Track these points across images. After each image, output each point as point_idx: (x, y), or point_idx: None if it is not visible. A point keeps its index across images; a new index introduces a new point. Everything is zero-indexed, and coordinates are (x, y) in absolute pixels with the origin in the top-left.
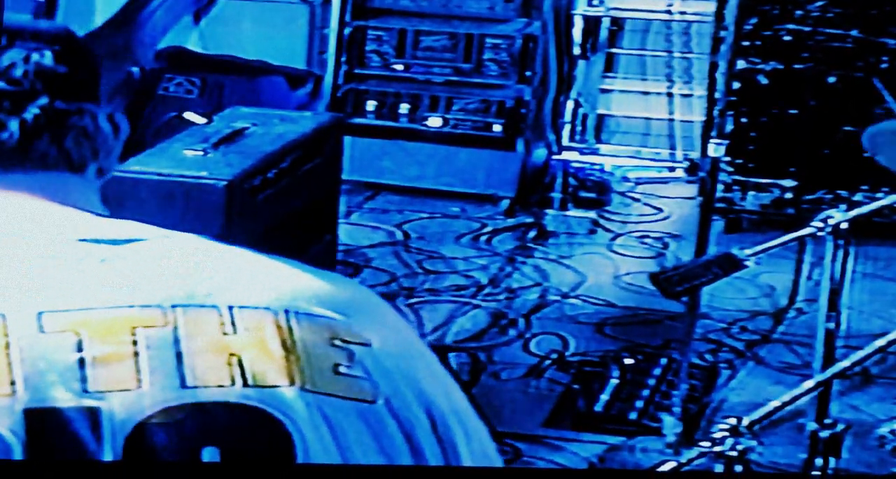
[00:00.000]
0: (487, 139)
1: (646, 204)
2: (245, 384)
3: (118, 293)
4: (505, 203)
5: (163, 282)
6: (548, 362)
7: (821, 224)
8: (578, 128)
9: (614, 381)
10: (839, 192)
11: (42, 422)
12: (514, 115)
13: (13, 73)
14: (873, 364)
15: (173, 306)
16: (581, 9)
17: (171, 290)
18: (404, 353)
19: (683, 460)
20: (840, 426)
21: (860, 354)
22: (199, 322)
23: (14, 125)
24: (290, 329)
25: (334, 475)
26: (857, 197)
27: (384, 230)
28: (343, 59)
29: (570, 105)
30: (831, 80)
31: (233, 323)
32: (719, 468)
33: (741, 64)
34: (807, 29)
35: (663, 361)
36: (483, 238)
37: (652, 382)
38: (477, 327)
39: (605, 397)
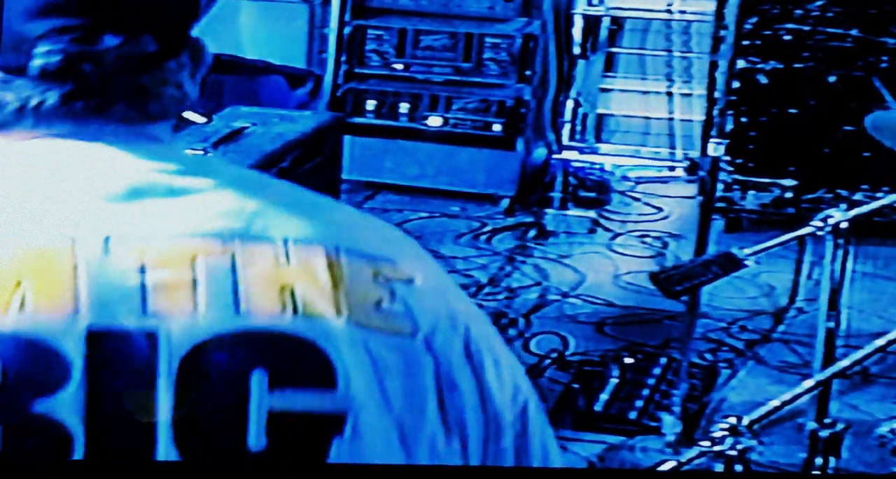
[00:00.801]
0: (487, 139)
1: (646, 203)
2: (295, 314)
3: (181, 223)
4: (505, 202)
5: (223, 215)
6: (548, 361)
7: (821, 223)
8: (578, 127)
9: (614, 380)
10: (839, 191)
11: (103, 341)
12: (514, 114)
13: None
14: (873, 364)
15: (231, 238)
16: (581, 8)
17: (230, 222)
18: (443, 290)
19: (683, 459)
20: (840, 426)
21: (860, 353)
22: (256, 253)
23: (95, 95)
24: (339, 265)
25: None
26: (857, 196)
27: None
28: (343, 58)
29: (569, 104)
30: (831, 79)
31: (287, 256)
32: (719, 467)
33: (741, 63)
34: (807, 28)
35: (663, 360)
36: (482, 237)
37: (652, 381)
38: None
39: (604, 396)
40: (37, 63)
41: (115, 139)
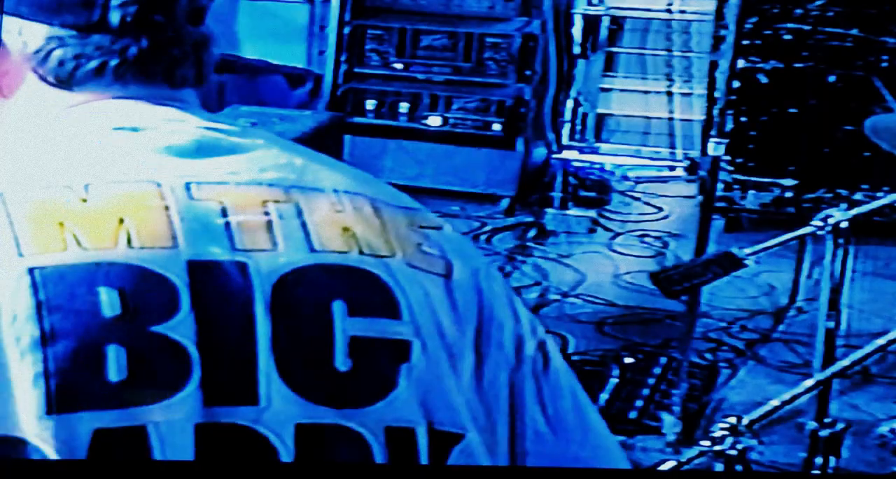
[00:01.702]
0: (487, 138)
1: (646, 203)
2: (360, 252)
3: (245, 173)
4: (505, 202)
5: (278, 168)
6: None
7: (821, 223)
8: (578, 127)
9: (614, 380)
10: (839, 191)
11: (203, 271)
12: (514, 114)
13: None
14: (873, 363)
15: (290, 187)
16: (581, 8)
17: (285, 174)
18: (467, 240)
19: (683, 459)
20: (840, 425)
21: (860, 353)
22: (314, 201)
23: (166, 54)
24: (383, 213)
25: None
26: (858, 196)
27: None
28: (343, 58)
29: (569, 104)
30: (831, 79)
31: (340, 203)
32: (719, 467)
33: (741, 63)
34: (807, 28)
35: (663, 360)
36: (482, 237)
37: (652, 381)
38: None
39: (605, 396)
40: (116, 15)
41: (175, 103)
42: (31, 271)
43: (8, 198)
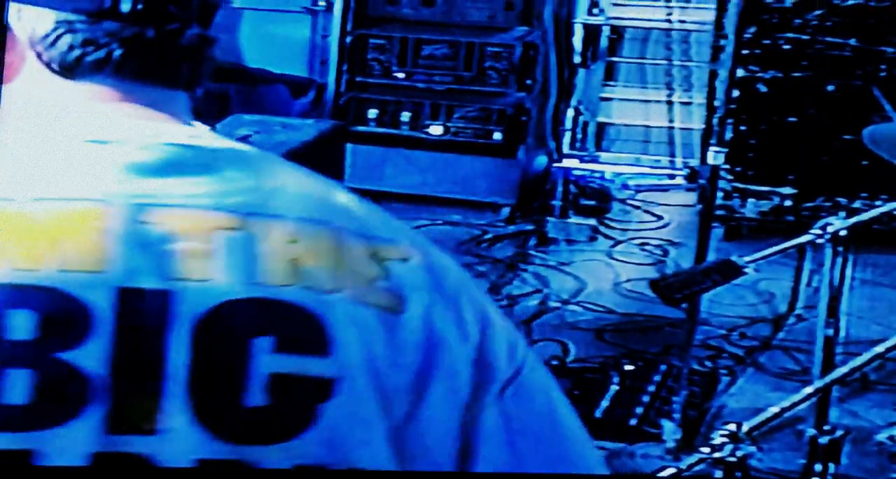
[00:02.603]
0: (488, 147)
1: (646, 211)
2: (301, 287)
3: (205, 197)
4: (505, 211)
5: (243, 192)
6: (548, 368)
7: (820, 231)
8: (579, 136)
9: (614, 387)
10: (838, 199)
11: (127, 298)
12: (515, 123)
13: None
14: (872, 370)
15: (249, 213)
16: (581, 17)
17: (249, 199)
18: (436, 268)
19: (683, 466)
20: (839, 432)
21: (859, 360)
22: (270, 229)
23: (171, 47)
24: (341, 244)
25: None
26: (856, 204)
27: None
28: (345, 67)
29: (570, 113)
30: (830, 88)
31: (297, 233)
32: (719, 474)
33: (741, 72)
34: (806, 38)
35: (663, 367)
36: (483, 245)
37: (652, 388)
38: None
39: (605, 403)
40: (127, 2)
41: (159, 106)
42: None
43: None
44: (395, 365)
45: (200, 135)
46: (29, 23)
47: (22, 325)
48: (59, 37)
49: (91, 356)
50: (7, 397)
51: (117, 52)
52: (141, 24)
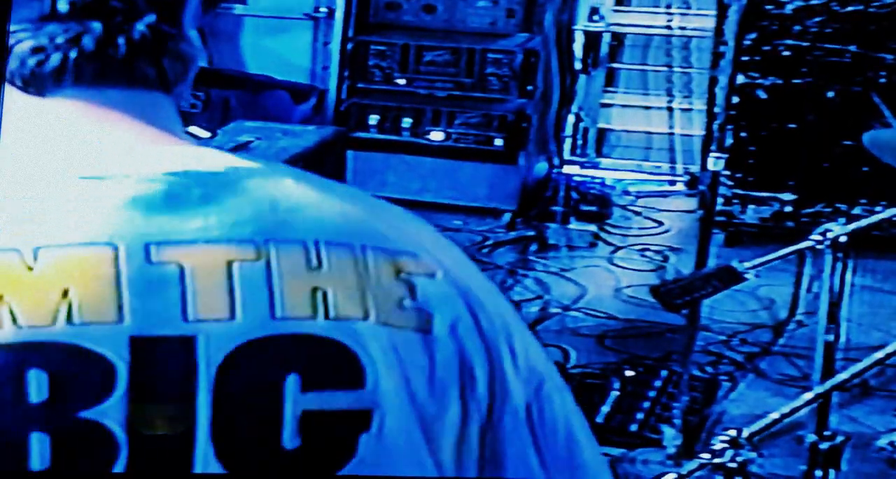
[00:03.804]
0: (489, 153)
1: (646, 217)
2: (327, 317)
3: (216, 229)
4: (506, 216)
5: (255, 219)
6: None
7: (820, 237)
8: (579, 142)
9: (615, 393)
10: (838, 205)
11: (145, 348)
12: (516, 129)
13: None
14: (872, 376)
15: (265, 241)
16: (582, 24)
17: (262, 225)
18: (462, 278)
19: (684, 471)
20: (839, 438)
21: (859, 366)
22: (289, 257)
23: (121, 41)
24: (366, 264)
25: None
26: (856, 210)
27: None
28: (346, 73)
29: (571, 119)
30: (830, 94)
31: (318, 258)
32: None
33: (741, 79)
34: (805, 44)
35: (664, 373)
36: (484, 251)
37: (653, 394)
38: None
39: (606, 409)
40: (64, 1)
41: (140, 111)
42: None
43: None
44: (434, 386)
45: (202, 155)
46: None
47: (36, 386)
48: (10, 50)
49: (113, 412)
50: (31, 462)
51: (72, 55)
52: (83, 21)
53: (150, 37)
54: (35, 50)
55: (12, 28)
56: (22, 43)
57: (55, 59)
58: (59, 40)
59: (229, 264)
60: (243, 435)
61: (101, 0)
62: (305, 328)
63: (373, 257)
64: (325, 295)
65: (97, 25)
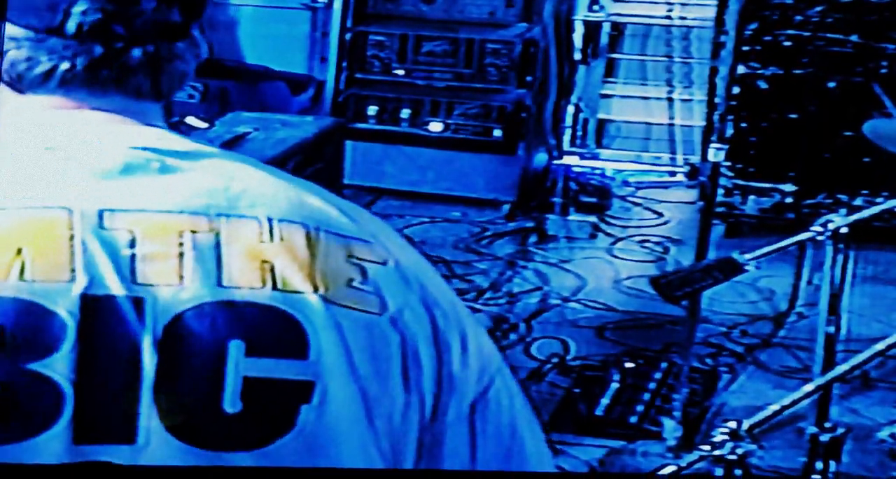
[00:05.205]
0: (488, 144)
1: (646, 208)
2: (274, 288)
3: (170, 200)
4: (506, 207)
5: (210, 193)
6: (549, 365)
7: (821, 228)
8: (579, 132)
9: (615, 385)
10: (839, 196)
11: (95, 306)
12: (515, 119)
13: (136, 18)
14: (873, 368)
15: (217, 215)
16: (581, 14)
17: (216, 200)
18: (415, 273)
19: (684, 463)
20: (840, 430)
21: (860, 357)
22: (239, 230)
23: (117, 64)
24: (317, 243)
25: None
26: (857, 202)
27: None
28: (344, 64)
29: (570, 110)
30: (831, 85)
31: (270, 233)
32: (719, 471)
33: (741, 69)
34: (806, 34)
35: (664, 365)
36: (482, 242)
37: (652, 386)
38: None
39: (605, 400)
40: (73, 22)
41: (123, 114)
42: None
43: None
44: (378, 369)
45: (166, 137)
46: None
47: None
48: (5, 52)
49: (61, 366)
50: None
51: (63, 66)
52: (86, 43)
53: (146, 61)
54: (29, 59)
55: (13, 32)
56: (20, 50)
57: (46, 66)
58: (57, 56)
59: (181, 234)
60: (185, 396)
61: (107, 25)
62: (252, 297)
63: (325, 237)
64: (272, 268)
65: (98, 49)
